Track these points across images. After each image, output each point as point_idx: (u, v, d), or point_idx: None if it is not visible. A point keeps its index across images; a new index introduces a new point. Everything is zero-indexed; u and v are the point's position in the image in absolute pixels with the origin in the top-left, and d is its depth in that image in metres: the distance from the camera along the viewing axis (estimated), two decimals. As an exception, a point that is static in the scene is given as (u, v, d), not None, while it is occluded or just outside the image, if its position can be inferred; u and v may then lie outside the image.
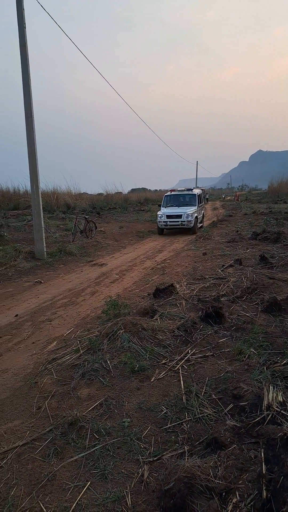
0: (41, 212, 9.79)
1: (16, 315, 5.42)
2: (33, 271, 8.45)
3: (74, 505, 1.96)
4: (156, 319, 4.43)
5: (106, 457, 2.30)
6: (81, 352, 3.77)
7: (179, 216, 14.39)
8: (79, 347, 3.88)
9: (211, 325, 4.21)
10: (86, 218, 13.61)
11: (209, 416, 2.59)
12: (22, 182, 19.83)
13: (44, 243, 9.87)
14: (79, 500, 1.99)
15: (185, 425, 2.53)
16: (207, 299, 5.08)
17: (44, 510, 1.95)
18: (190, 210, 14.56)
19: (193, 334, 4.00)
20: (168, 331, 4.08)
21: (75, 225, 12.82)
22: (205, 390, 2.92)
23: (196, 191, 15.89)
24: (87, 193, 29.28)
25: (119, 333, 3.90)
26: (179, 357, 3.53)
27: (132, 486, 2.05)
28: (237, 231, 13.04)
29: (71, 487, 2.10)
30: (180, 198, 15.88)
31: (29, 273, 8.23)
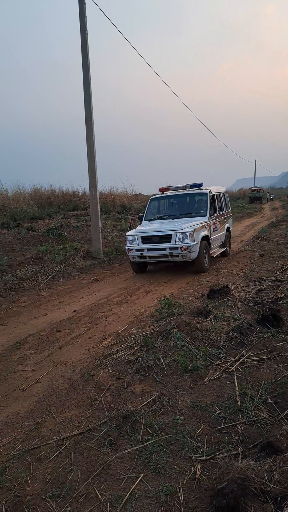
0: (99, 212, 10.11)
1: (74, 311, 5.66)
2: (90, 269, 8.76)
3: (127, 495, 2.02)
4: (210, 320, 4.38)
5: (159, 452, 2.33)
6: (135, 348, 3.84)
7: (166, 239, 7.46)
8: (133, 344, 3.96)
9: (268, 328, 4.08)
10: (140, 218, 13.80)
11: (264, 419, 2.52)
12: (81, 184, 20.52)
13: (101, 243, 10.18)
14: (132, 490, 2.05)
15: (239, 427, 2.48)
16: (264, 301, 4.92)
17: (99, 496, 2.04)
18: (191, 225, 7.51)
19: (249, 337, 3.90)
20: (223, 333, 4.02)
21: (130, 225, 13.06)
22: (261, 393, 2.84)
23: (210, 189, 8.57)
24: (142, 194, 29.65)
25: (173, 332, 3.92)
26: (233, 359, 3.47)
27: (184, 482, 2.07)
28: (298, 232, 12.45)
29: (125, 477, 2.16)
30: (177, 204, 8.86)
31: (86, 271, 8.55)
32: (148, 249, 7.61)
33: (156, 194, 9.42)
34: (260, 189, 40.93)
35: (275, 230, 14.37)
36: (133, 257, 7.87)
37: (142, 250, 7.65)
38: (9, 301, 6.36)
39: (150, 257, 7.71)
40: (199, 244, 7.50)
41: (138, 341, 4.00)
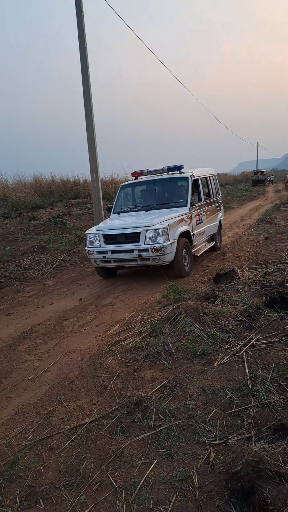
0: (101, 199, 10.03)
1: (80, 299, 5.64)
2: (95, 258, 8.71)
3: (142, 481, 2.01)
4: (218, 304, 4.35)
5: (172, 437, 2.33)
6: (143, 335, 3.83)
7: (134, 238, 5.93)
8: (141, 330, 3.94)
9: (276, 311, 4.04)
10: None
11: (276, 402, 2.51)
12: (82, 171, 20.37)
13: (104, 230, 10.11)
14: (146, 476, 2.04)
15: (251, 410, 2.47)
16: (272, 284, 4.87)
17: (114, 483, 2.03)
18: (165, 219, 5.96)
19: (257, 320, 3.87)
20: (231, 316, 3.99)
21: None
22: (272, 376, 2.82)
23: (192, 173, 7.04)
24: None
25: (180, 317, 3.90)
26: (242, 343, 3.44)
27: (198, 467, 2.06)
28: (302, 213, 12.31)
29: (138, 464, 2.15)
30: (153, 191, 7.33)
31: (90, 260, 8.51)
32: (112, 251, 6.07)
33: (129, 180, 7.87)
34: (263, 172, 40.54)
35: (279, 212, 14.23)
36: (95, 260, 6.35)
37: (105, 252, 6.12)
38: (14, 291, 6.35)
39: (115, 260, 6.17)
40: (175, 243, 6.00)
41: (146, 327, 3.98)
